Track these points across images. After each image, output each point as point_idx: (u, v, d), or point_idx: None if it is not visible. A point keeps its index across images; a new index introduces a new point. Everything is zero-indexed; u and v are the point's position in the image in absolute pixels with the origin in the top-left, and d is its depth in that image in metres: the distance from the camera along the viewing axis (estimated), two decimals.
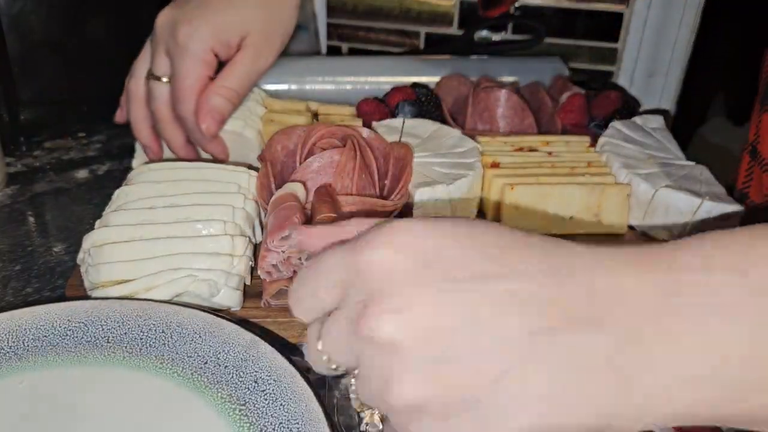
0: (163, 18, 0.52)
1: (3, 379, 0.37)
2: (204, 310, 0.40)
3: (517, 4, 0.86)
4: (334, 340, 0.26)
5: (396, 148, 0.55)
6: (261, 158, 0.55)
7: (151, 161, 0.57)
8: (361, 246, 0.25)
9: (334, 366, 0.28)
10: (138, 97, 0.55)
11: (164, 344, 0.39)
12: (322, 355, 0.27)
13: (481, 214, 0.57)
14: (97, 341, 0.39)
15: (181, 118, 0.52)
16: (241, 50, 0.53)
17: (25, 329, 0.39)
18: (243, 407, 0.35)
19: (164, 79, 0.52)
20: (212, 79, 0.53)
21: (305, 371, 0.36)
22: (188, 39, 0.50)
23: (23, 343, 0.39)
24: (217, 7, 0.51)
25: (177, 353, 0.38)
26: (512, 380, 0.23)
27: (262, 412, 0.34)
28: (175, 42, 0.50)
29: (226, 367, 0.37)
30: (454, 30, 0.89)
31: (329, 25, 0.92)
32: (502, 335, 0.23)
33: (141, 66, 0.55)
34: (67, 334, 0.39)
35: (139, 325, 0.40)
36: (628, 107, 0.69)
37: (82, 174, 0.66)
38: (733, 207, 0.51)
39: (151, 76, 0.53)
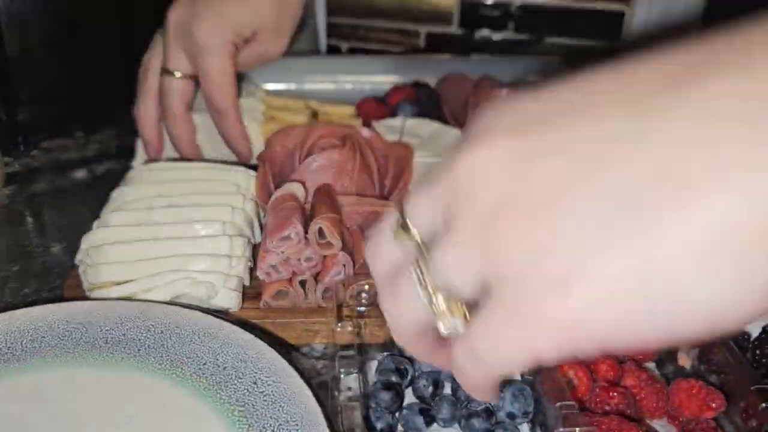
0: (176, 15, 0.52)
1: (1, 380, 0.37)
2: (203, 312, 0.40)
3: (518, 3, 0.86)
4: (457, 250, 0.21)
5: (396, 148, 0.55)
6: (260, 158, 0.55)
7: (150, 159, 0.57)
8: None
9: (457, 313, 0.22)
10: (148, 91, 0.55)
11: (163, 345, 0.38)
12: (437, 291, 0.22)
13: None
14: (96, 342, 0.39)
15: (220, 111, 0.53)
16: (252, 42, 0.54)
17: (23, 330, 0.39)
18: (242, 408, 0.35)
19: (177, 74, 0.53)
20: None
21: (304, 372, 0.36)
22: (209, 37, 0.51)
23: (21, 344, 0.38)
24: (230, 3, 0.52)
25: (176, 354, 0.38)
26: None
27: (261, 414, 0.34)
28: (194, 41, 0.51)
29: (225, 368, 0.37)
30: (454, 29, 0.88)
31: (329, 24, 0.92)
32: None
33: (152, 62, 0.55)
34: (65, 335, 0.39)
35: (137, 327, 0.39)
36: None
37: (80, 174, 0.66)
38: None
39: (165, 71, 0.53)
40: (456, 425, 0.37)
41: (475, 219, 0.21)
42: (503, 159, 0.20)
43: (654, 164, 0.18)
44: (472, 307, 0.21)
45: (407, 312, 0.23)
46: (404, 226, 0.23)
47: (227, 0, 0.52)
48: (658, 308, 0.18)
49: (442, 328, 0.22)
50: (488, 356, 0.21)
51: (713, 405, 0.35)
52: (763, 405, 0.33)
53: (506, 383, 0.37)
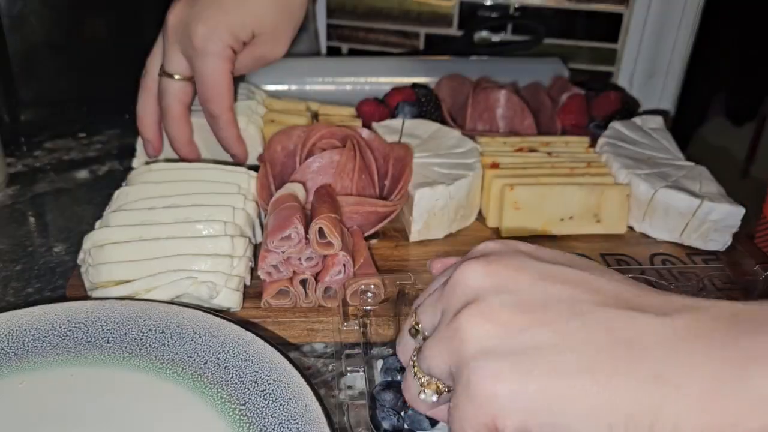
0: (175, 17, 0.52)
1: (3, 380, 0.37)
2: (204, 311, 0.40)
3: (517, 4, 0.86)
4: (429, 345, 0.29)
5: (396, 149, 0.55)
6: (261, 159, 0.55)
7: (150, 158, 0.57)
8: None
9: (431, 389, 0.29)
10: (148, 91, 0.55)
11: (164, 344, 0.39)
12: (420, 376, 0.29)
13: (480, 214, 0.57)
14: (98, 341, 0.39)
15: (214, 115, 0.53)
16: (251, 45, 0.54)
17: (25, 329, 0.39)
18: (243, 407, 0.35)
19: (177, 77, 0.53)
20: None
21: (305, 371, 0.36)
22: (206, 41, 0.50)
23: (23, 343, 0.39)
24: (229, 6, 0.52)
25: (177, 353, 0.38)
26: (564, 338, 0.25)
27: (262, 412, 0.35)
28: (192, 44, 0.51)
29: (226, 367, 0.37)
30: (453, 31, 0.89)
31: (329, 26, 0.92)
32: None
33: (153, 62, 0.55)
34: (67, 335, 0.39)
35: (139, 326, 0.40)
36: (628, 108, 0.69)
37: (82, 174, 0.66)
38: (733, 208, 0.51)
39: (164, 73, 0.53)
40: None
41: (448, 318, 0.27)
42: (483, 272, 0.27)
43: None
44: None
45: (412, 392, 0.31)
46: (416, 325, 0.30)
47: (225, 2, 0.52)
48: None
49: (423, 397, 0.30)
50: (458, 429, 0.27)
51: None
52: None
53: None
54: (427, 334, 0.30)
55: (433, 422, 0.37)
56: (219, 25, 0.51)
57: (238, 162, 0.57)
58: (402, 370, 0.39)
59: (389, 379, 0.39)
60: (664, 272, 0.48)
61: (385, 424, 0.36)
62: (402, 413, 0.37)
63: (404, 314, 0.44)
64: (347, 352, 0.38)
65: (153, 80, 0.55)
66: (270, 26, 0.54)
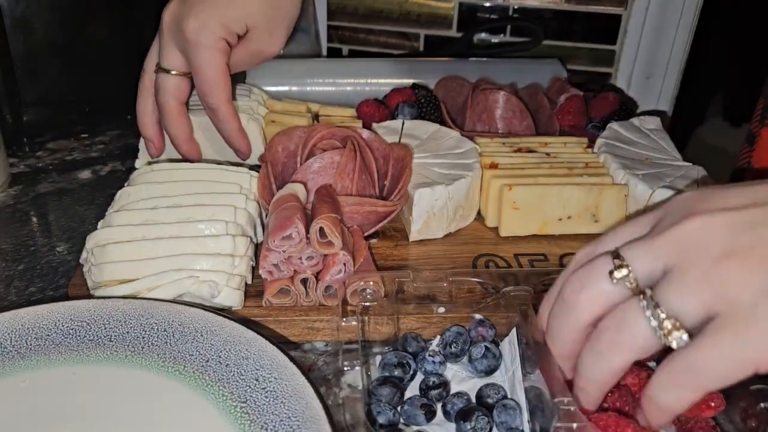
0: (169, 14, 0.52)
1: (6, 378, 0.37)
2: (205, 309, 0.41)
3: (515, 6, 0.87)
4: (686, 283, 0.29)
5: (396, 149, 0.56)
6: (262, 159, 0.55)
7: (152, 157, 0.58)
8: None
9: (678, 330, 0.29)
10: (147, 90, 0.55)
11: (166, 343, 0.39)
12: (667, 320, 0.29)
13: (479, 214, 0.57)
14: (100, 340, 0.39)
15: (213, 108, 0.53)
16: (245, 40, 0.54)
17: (28, 328, 0.40)
18: (244, 405, 0.35)
19: (173, 72, 0.53)
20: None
21: (305, 369, 0.37)
22: (199, 34, 0.51)
23: (26, 342, 0.39)
24: (220, 0, 0.52)
25: (179, 352, 0.38)
26: None
27: (263, 410, 0.35)
28: (185, 38, 0.51)
29: (227, 365, 0.37)
30: (453, 32, 0.89)
31: (330, 28, 0.92)
32: None
33: (150, 62, 0.55)
34: (69, 333, 0.40)
35: (141, 324, 0.40)
36: (626, 109, 0.69)
37: (84, 174, 0.66)
38: None
39: (160, 69, 0.54)
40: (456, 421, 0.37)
41: (704, 264, 0.29)
42: (725, 224, 0.29)
43: None
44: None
45: (635, 333, 0.30)
46: (624, 273, 0.31)
47: None
48: None
49: (673, 343, 0.29)
50: (711, 368, 0.28)
51: (712, 404, 0.35)
52: (762, 405, 0.34)
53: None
54: (639, 281, 0.30)
55: (429, 416, 0.37)
56: (211, 18, 0.51)
57: (241, 157, 0.57)
58: (400, 365, 0.40)
59: (387, 374, 0.40)
60: None
61: (381, 419, 0.36)
62: (398, 408, 0.38)
63: (402, 311, 0.44)
64: (345, 347, 0.38)
65: (150, 79, 0.55)
66: (263, 20, 0.54)
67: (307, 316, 0.44)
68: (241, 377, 0.37)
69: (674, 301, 0.29)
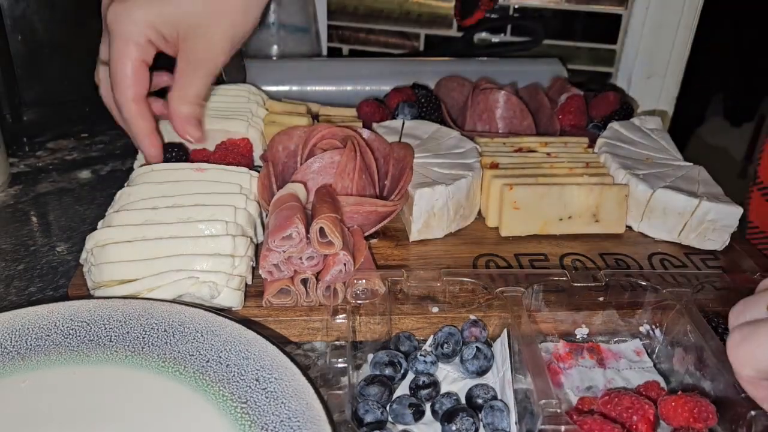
0: (104, 3, 0.49)
1: (6, 378, 0.37)
2: (206, 310, 0.41)
3: (516, 5, 0.87)
4: None
5: (396, 149, 0.56)
6: (264, 158, 0.55)
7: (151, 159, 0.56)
8: None
9: None
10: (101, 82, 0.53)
11: (166, 343, 0.39)
12: None
13: (479, 214, 0.57)
14: (100, 340, 0.39)
15: (118, 105, 0.50)
16: (183, 51, 0.49)
17: (28, 328, 0.40)
18: (244, 405, 0.35)
19: (104, 62, 0.51)
20: (152, 68, 0.50)
21: (306, 369, 0.37)
22: (116, 21, 0.47)
23: (26, 342, 0.39)
24: None
25: (179, 352, 0.38)
26: None
27: (264, 410, 0.35)
28: (106, 24, 0.48)
29: (227, 365, 0.37)
30: (453, 32, 0.89)
31: (330, 27, 0.92)
32: None
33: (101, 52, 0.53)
34: (69, 333, 0.40)
35: (141, 324, 0.40)
36: (627, 108, 0.69)
37: (84, 174, 0.66)
38: (731, 208, 0.52)
39: (99, 58, 0.52)
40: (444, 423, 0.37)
41: None
42: None
43: None
44: None
45: None
46: None
47: None
48: None
49: None
50: None
51: (706, 421, 0.35)
52: (752, 412, 0.34)
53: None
54: None
55: (417, 416, 0.37)
56: (135, 9, 0.46)
57: (148, 161, 0.52)
58: (391, 364, 0.40)
59: (377, 372, 0.40)
60: (664, 275, 0.49)
61: (369, 418, 0.36)
62: (387, 407, 0.38)
63: (396, 311, 0.44)
64: (335, 343, 0.38)
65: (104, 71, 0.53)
66: (201, 27, 0.48)
67: (307, 316, 0.44)
68: (242, 378, 0.37)
69: None
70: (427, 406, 0.39)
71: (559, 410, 0.33)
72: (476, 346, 0.40)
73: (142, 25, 0.47)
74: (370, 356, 0.41)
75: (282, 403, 0.35)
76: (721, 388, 0.37)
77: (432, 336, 0.43)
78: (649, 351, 0.44)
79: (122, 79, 0.48)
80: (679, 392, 0.37)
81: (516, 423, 0.37)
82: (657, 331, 0.44)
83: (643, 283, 0.44)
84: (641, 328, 0.45)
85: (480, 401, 0.38)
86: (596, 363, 0.42)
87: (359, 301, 0.44)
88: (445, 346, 0.41)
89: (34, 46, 0.72)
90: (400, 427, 0.37)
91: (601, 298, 0.45)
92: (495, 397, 0.38)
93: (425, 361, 0.40)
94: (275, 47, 0.83)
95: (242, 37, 0.51)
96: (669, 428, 0.36)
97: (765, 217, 0.60)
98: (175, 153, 0.54)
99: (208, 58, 0.50)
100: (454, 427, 0.36)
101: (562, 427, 0.32)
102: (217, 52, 0.50)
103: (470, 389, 0.39)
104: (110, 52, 0.48)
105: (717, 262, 0.53)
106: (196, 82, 0.50)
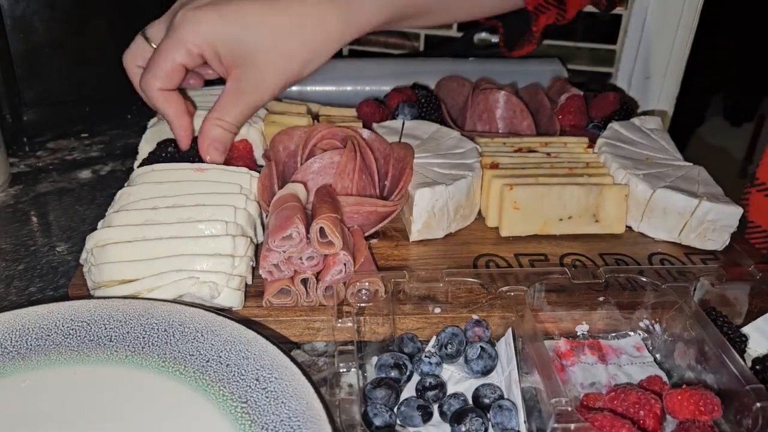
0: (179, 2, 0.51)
1: (6, 378, 0.37)
2: (206, 310, 0.41)
3: None
4: None
5: (396, 149, 0.56)
6: (266, 156, 0.56)
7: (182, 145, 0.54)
8: None
9: None
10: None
11: (166, 343, 0.39)
12: None
13: (480, 214, 0.57)
14: (100, 340, 0.39)
15: (143, 88, 0.51)
16: (236, 77, 0.50)
17: (28, 328, 0.40)
18: (245, 405, 0.35)
19: (153, 44, 0.52)
20: (188, 71, 0.51)
21: (306, 369, 0.37)
22: (183, 23, 0.48)
23: (26, 342, 0.39)
24: (231, 11, 0.48)
25: (179, 352, 0.38)
26: None
27: (264, 410, 0.35)
28: (175, 21, 0.49)
29: (227, 365, 0.37)
30: (453, 32, 0.89)
31: None
32: None
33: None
34: (69, 333, 0.40)
35: (141, 324, 0.40)
36: (627, 108, 0.69)
37: (84, 174, 0.66)
38: (731, 208, 0.52)
39: (142, 34, 0.53)
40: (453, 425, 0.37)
41: None
42: None
43: None
44: None
45: None
46: None
47: (231, 9, 0.47)
48: None
49: None
50: None
51: (712, 413, 0.35)
52: (758, 404, 0.34)
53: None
54: None
55: (426, 418, 0.37)
56: (203, 20, 0.48)
57: (180, 145, 0.53)
58: (396, 366, 0.40)
59: (383, 375, 0.40)
60: (662, 272, 0.49)
61: (377, 421, 0.36)
62: (395, 409, 0.38)
63: (399, 312, 0.44)
64: (341, 348, 0.38)
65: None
66: (261, 61, 0.48)
67: (307, 317, 0.44)
68: (242, 377, 0.37)
69: None
70: (435, 408, 0.39)
71: (570, 408, 0.33)
72: (480, 346, 0.40)
73: (201, 39, 0.48)
74: (374, 359, 0.41)
75: (282, 402, 0.35)
76: (724, 381, 0.37)
77: (435, 337, 0.43)
78: (649, 346, 0.44)
79: (157, 72, 0.49)
80: (684, 386, 0.37)
81: (525, 422, 0.37)
82: (657, 327, 0.44)
83: (643, 279, 0.45)
84: (641, 323, 0.45)
85: (487, 401, 0.38)
86: (598, 359, 0.42)
87: (362, 304, 0.44)
88: (449, 346, 0.41)
89: (34, 46, 0.72)
90: (410, 429, 0.37)
91: (601, 298, 0.45)
92: (502, 397, 0.38)
93: (430, 363, 0.40)
94: None
95: (293, 83, 0.52)
96: (675, 422, 0.36)
97: (765, 214, 0.61)
98: (170, 150, 0.54)
99: (257, 91, 0.51)
100: (463, 428, 0.36)
101: (572, 425, 0.32)
102: (267, 89, 0.51)
103: (477, 389, 0.39)
104: (162, 40, 0.49)
105: (717, 262, 0.53)
106: (236, 110, 0.51)
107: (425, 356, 0.41)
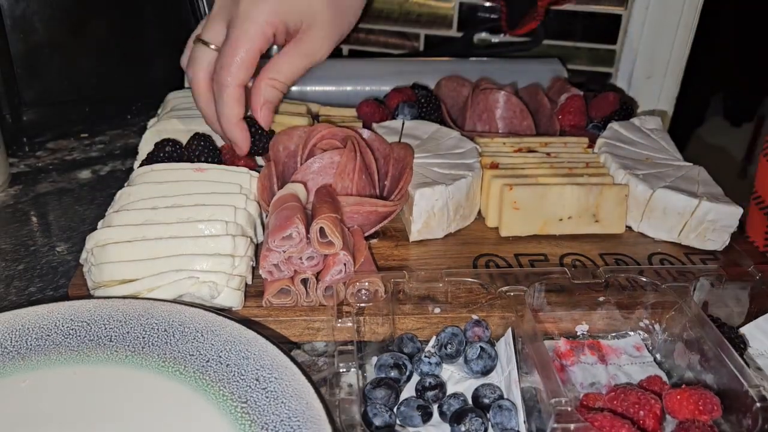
0: None
1: (6, 378, 0.37)
2: (206, 309, 0.41)
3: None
4: None
5: (396, 149, 0.56)
6: (266, 157, 0.55)
7: (241, 153, 0.55)
8: None
9: None
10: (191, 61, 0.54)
11: (166, 343, 0.39)
12: None
13: (479, 214, 0.57)
14: (100, 340, 0.39)
15: (221, 86, 0.51)
16: (298, 40, 0.52)
17: (28, 328, 0.40)
18: (245, 405, 0.35)
19: (212, 46, 0.52)
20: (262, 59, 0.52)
21: (306, 369, 0.37)
22: (252, 7, 0.49)
23: (26, 342, 0.39)
24: None
25: (179, 352, 0.38)
26: None
27: (264, 410, 0.35)
28: (237, 11, 0.50)
29: (227, 365, 0.37)
30: (453, 32, 0.89)
31: None
32: None
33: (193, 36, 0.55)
34: (69, 333, 0.40)
35: (141, 324, 0.40)
36: (626, 108, 0.69)
37: (84, 174, 0.66)
38: (731, 208, 0.52)
39: (200, 40, 0.52)
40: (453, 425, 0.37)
41: None
42: None
43: None
44: None
45: None
46: None
47: None
48: None
49: None
50: None
51: (711, 412, 0.35)
52: (758, 405, 0.34)
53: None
54: None
55: (425, 418, 0.37)
56: (270, 2, 0.49)
57: (238, 151, 0.55)
58: (396, 366, 0.40)
59: (382, 375, 0.40)
60: (662, 272, 0.49)
61: (377, 421, 0.36)
62: (394, 409, 0.38)
63: (398, 312, 0.44)
64: (340, 348, 0.38)
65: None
66: (322, 23, 0.52)
67: (307, 317, 0.44)
68: (242, 377, 0.37)
69: None
70: (435, 408, 0.39)
71: (570, 408, 0.33)
72: (480, 346, 0.40)
73: (273, 15, 0.49)
74: (374, 359, 0.41)
75: (282, 402, 0.35)
76: (724, 381, 0.37)
77: (434, 337, 0.43)
78: (648, 346, 0.44)
79: (239, 60, 0.50)
80: (683, 386, 0.37)
81: (524, 422, 0.37)
82: (657, 327, 0.44)
83: (643, 279, 0.45)
84: (641, 323, 0.45)
85: (487, 401, 0.38)
86: (598, 359, 0.42)
87: (362, 304, 0.44)
88: (449, 346, 0.41)
89: (34, 46, 0.72)
90: (410, 429, 0.37)
91: (601, 298, 0.45)
92: (502, 397, 0.38)
93: (430, 363, 0.40)
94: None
95: (339, 41, 0.55)
96: (675, 422, 0.36)
97: (759, 227, 0.61)
98: (168, 149, 0.54)
99: (315, 52, 0.53)
100: (463, 428, 0.36)
101: (572, 425, 0.33)
102: (325, 48, 0.54)
103: (476, 389, 0.39)
104: (233, 33, 0.49)
105: (717, 262, 0.53)
106: (292, 70, 0.53)
107: (425, 356, 0.41)
